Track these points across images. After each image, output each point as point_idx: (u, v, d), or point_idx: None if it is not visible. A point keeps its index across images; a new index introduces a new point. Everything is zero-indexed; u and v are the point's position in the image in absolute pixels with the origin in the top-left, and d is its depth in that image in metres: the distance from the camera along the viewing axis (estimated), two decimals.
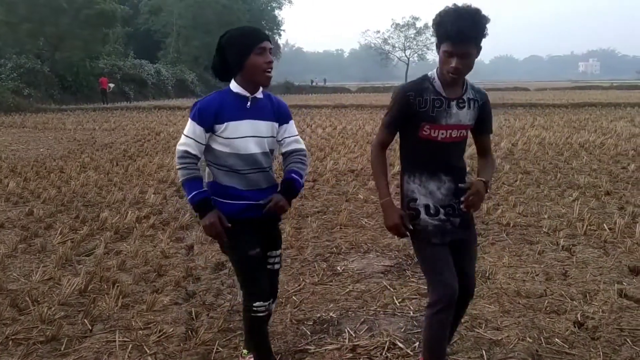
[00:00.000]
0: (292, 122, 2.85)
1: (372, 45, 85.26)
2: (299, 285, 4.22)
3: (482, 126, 2.65)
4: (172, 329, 3.48)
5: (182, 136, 2.65)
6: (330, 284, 4.26)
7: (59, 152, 12.05)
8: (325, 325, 3.52)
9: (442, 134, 2.52)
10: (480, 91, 2.63)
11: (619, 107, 24.61)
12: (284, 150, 2.83)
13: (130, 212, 6.36)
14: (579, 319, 3.52)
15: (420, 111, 2.49)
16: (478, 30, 2.37)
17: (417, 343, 3.24)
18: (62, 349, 3.24)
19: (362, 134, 14.67)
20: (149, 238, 5.50)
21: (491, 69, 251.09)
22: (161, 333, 3.41)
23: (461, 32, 2.34)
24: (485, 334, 3.35)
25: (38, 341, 3.31)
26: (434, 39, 2.54)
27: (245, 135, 2.64)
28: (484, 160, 2.74)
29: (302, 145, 2.87)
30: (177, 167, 2.65)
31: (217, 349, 3.22)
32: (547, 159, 10.25)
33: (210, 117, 2.61)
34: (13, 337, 3.36)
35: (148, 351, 3.20)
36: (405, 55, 77.63)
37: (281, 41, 71.37)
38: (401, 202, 2.65)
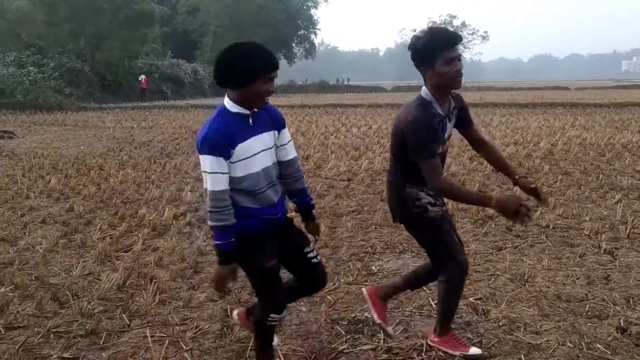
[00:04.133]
0: (286, 128, 2.80)
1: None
2: (334, 285, 4.20)
3: (466, 123, 2.99)
4: (207, 325, 3.51)
5: (207, 175, 2.48)
6: (365, 284, 4.23)
7: (99, 150, 12.31)
8: (360, 326, 3.51)
9: (442, 148, 2.81)
10: (458, 97, 2.92)
11: None
12: (284, 158, 2.78)
13: (167, 209, 6.45)
14: (622, 325, 3.42)
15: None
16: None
17: None
18: (101, 342, 3.30)
19: None
20: (186, 235, 5.57)
21: (530, 68, 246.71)
22: (197, 329, 3.44)
23: (455, 35, 2.68)
24: (524, 338, 3.28)
25: (78, 334, 3.39)
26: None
27: (254, 153, 2.58)
28: (487, 148, 3.02)
29: (297, 155, 2.87)
30: (210, 209, 2.49)
31: (251, 346, 3.23)
32: (588, 159, 9.99)
33: (227, 146, 2.49)
34: (54, 330, 3.44)
35: (184, 347, 3.24)
36: None
37: (317, 40, 71.36)
38: (400, 205, 2.96)
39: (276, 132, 2.72)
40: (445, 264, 2.92)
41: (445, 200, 2.93)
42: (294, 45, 65.43)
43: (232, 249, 2.54)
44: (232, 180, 2.54)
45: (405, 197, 2.90)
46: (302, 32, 66.10)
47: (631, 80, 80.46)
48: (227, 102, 2.58)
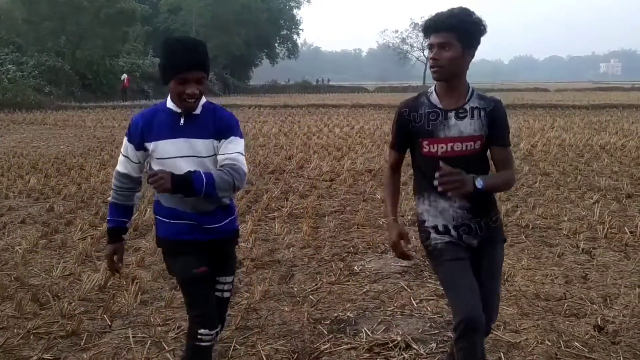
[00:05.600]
0: (233, 138, 2.43)
1: (390, 44, 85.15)
2: (316, 285, 4.22)
3: (492, 137, 2.42)
4: None
5: (120, 154, 2.53)
6: (348, 283, 4.26)
7: (79, 150, 12.19)
8: (342, 325, 3.53)
9: (442, 148, 2.38)
10: (488, 99, 2.45)
11: None
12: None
13: (148, 209, 6.40)
14: (599, 323, 3.48)
15: (417, 126, 2.41)
16: (457, 21, 2.29)
17: (434, 344, 3.24)
18: (82, 343, 3.28)
19: (379, 134, 14.63)
20: None
21: (510, 69, 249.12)
22: (179, 330, 3.43)
23: (436, 20, 2.32)
24: (503, 337, 3.32)
25: (59, 336, 3.36)
26: None
27: (177, 156, 2.38)
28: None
29: (238, 164, 2.39)
30: (112, 187, 2.59)
31: (234, 346, 3.24)
32: (567, 160, 10.14)
33: (137, 135, 2.43)
34: (34, 331, 3.41)
35: (166, 347, 3.23)
36: (424, 55, 77.19)
37: (299, 40, 71.33)
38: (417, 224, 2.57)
39: (215, 140, 2.43)
40: (453, 312, 2.41)
41: (467, 230, 2.42)
42: (276, 45, 65.38)
43: (113, 227, 2.60)
44: None
45: (417, 214, 2.53)
46: (284, 32, 66.03)
47: (609, 82, 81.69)
48: (168, 97, 2.45)
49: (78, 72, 36.64)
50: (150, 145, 2.41)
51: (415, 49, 79.24)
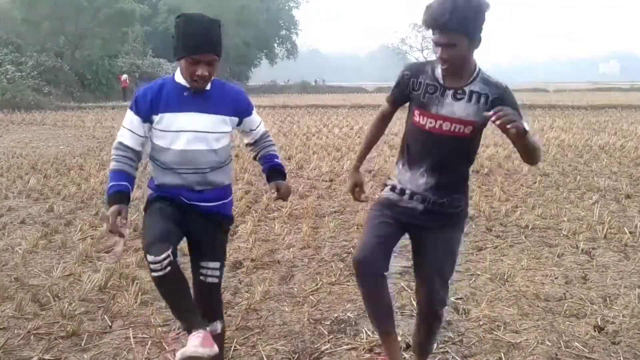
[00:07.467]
0: (254, 112, 2.66)
1: (390, 45, 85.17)
2: (316, 285, 4.22)
3: None
4: None
5: (121, 127, 2.49)
6: (348, 284, 4.26)
7: (79, 150, 12.18)
8: (342, 325, 3.53)
9: (431, 122, 2.38)
10: (494, 85, 2.40)
11: None
12: (252, 140, 2.74)
13: None
14: (599, 323, 3.49)
15: (413, 93, 2.45)
16: (459, 20, 2.19)
17: (435, 344, 3.23)
18: (83, 344, 3.28)
19: None
20: None
21: (510, 70, 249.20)
22: (179, 330, 3.43)
23: (438, 20, 2.22)
24: (503, 337, 3.33)
25: (59, 336, 3.36)
26: None
27: (182, 130, 2.39)
28: None
29: (269, 132, 2.83)
30: (111, 157, 2.48)
31: (234, 347, 3.24)
32: (567, 161, 10.15)
33: (145, 106, 2.42)
34: (35, 331, 3.41)
35: (167, 348, 3.23)
36: (423, 56, 77.14)
37: (298, 41, 71.19)
38: None
39: (234, 118, 2.53)
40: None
41: (429, 199, 2.48)
42: (275, 45, 65.36)
43: (119, 190, 2.38)
44: (156, 147, 2.46)
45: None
46: (283, 32, 66.03)
47: (608, 83, 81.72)
48: (177, 71, 2.46)
49: (77, 73, 36.64)
50: (157, 117, 2.41)
51: (414, 49, 79.20)
